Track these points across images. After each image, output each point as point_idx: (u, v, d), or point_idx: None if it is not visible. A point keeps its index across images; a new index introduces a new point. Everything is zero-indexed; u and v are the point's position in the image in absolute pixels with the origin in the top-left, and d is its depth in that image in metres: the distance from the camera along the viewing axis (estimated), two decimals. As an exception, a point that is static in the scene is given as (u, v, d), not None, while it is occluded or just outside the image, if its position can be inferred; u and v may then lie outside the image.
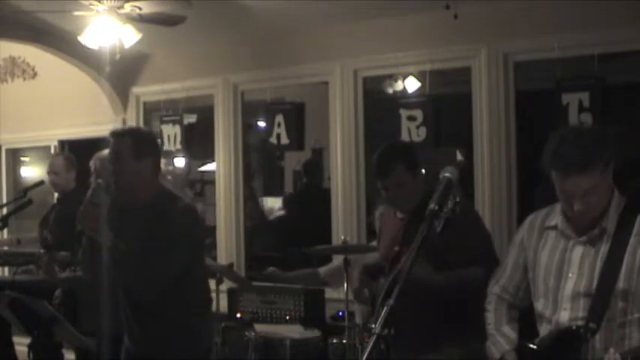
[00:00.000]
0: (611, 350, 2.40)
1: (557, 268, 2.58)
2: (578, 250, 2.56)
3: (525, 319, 2.74)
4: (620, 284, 2.45)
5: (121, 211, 3.42)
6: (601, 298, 2.45)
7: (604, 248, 2.51)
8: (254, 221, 7.63)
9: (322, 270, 5.10)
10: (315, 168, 7.44)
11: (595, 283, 2.48)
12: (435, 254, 2.76)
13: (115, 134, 3.45)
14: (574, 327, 2.47)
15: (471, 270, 3.14)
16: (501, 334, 2.72)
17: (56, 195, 5.81)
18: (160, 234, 3.24)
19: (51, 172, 5.70)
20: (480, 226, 3.46)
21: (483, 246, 3.32)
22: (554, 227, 2.64)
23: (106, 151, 4.39)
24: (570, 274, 2.54)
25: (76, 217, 4.21)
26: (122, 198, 3.44)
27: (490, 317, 2.79)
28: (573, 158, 2.43)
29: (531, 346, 2.57)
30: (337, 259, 5.12)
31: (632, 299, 2.46)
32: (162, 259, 3.24)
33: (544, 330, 2.61)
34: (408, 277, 2.19)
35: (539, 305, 2.64)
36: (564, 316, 2.52)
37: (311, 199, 7.22)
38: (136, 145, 3.37)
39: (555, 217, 2.65)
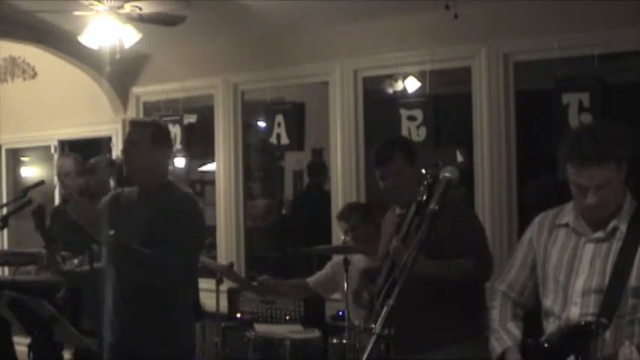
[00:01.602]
0: (627, 343, 2.42)
1: (568, 265, 2.60)
2: (589, 248, 2.58)
3: (530, 318, 2.75)
4: (632, 282, 2.48)
5: (125, 201, 3.52)
6: (612, 294, 2.47)
7: (616, 246, 2.54)
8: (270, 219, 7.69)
9: (310, 280, 5.11)
10: (319, 169, 7.43)
11: (607, 280, 2.51)
12: (428, 245, 2.78)
13: (135, 123, 3.61)
14: (583, 322, 2.49)
15: (461, 261, 3.15)
16: (505, 331, 2.73)
17: (62, 196, 5.74)
18: (161, 224, 3.31)
19: (62, 173, 5.67)
20: (474, 221, 3.47)
21: (476, 240, 3.33)
22: (565, 225, 2.67)
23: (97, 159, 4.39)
24: (581, 271, 2.57)
25: None
26: (137, 183, 3.54)
27: (495, 314, 2.81)
28: (588, 152, 2.47)
29: (539, 342, 2.58)
30: (325, 268, 5.13)
31: None
32: (164, 248, 3.28)
33: (551, 326, 2.62)
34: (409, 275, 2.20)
35: (548, 301, 2.66)
36: (575, 312, 2.54)
37: (314, 200, 7.23)
38: (155, 135, 3.48)
39: (566, 215, 2.69)
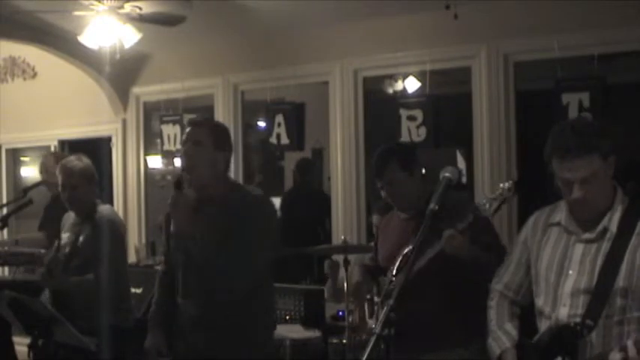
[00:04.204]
0: (630, 342, 2.38)
1: (559, 265, 2.59)
2: (579, 248, 2.56)
3: (526, 316, 2.74)
4: (620, 282, 2.45)
5: (195, 207, 3.27)
6: (599, 295, 2.46)
7: (605, 246, 2.51)
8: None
9: (326, 288, 5.17)
10: (308, 167, 7.39)
11: (595, 280, 2.48)
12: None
13: (195, 123, 3.43)
14: (571, 324, 2.48)
15: (489, 253, 3.15)
16: (503, 331, 2.73)
17: (50, 195, 5.72)
18: (237, 230, 3.14)
19: (43, 171, 5.68)
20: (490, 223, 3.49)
21: (499, 243, 3.37)
22: (558, 224, 2.65)
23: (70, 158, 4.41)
24: (571, 271, 2.55)
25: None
26: (197, 191, 3.31)
27: (492, 314, 2.81)
28: (571, 144, 2.46)
29: (531, 342, 2.58)
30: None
31: (631, 297, 2.46)
32: (240, 255, 3.13)
33: (543, 326, 2.61)
34: (411, 274, 2.20)
35: (540, 301, 2.65)
36: (563, 313, 2.52)
37: (303, 199, 7.20)
38: (215, 136, 3.30)
39: (559, 214, 2.66)
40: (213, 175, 3.27)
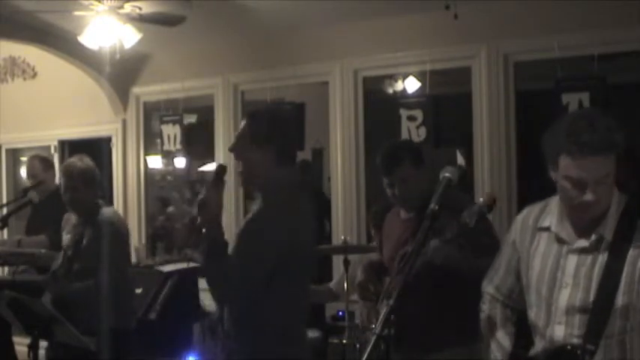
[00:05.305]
0: None
1: (551, 276, 2.37)
2: (573, 259, 2.34)
3: (523, 320, 2.56)
4: (619, 300, 2.25)
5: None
6: (599, 316, 2.26)
7: (601, 258, 2.29)
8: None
9: (332, 284, 5.16)
10: (306, 168, 7.40)
11: (592, 296, 2.28)
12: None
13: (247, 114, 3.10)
14: (569, 347, 2.30)
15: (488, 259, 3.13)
16: (495, 341, 2.57)
17: (38, 197, 5.69)
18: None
19: (30, 176, 5.68)
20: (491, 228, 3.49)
21: (495, 243, 3.35)
22: (547, 229, 2.42)
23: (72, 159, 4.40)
24: (564, 284, 2.33)
25: (62, 216, 4.28)
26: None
27: (484, 320, 2.64)
28: (589, 140, 2.19)
29: (526, 358, 2.44)
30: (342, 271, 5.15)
31: (632, 314, 2.27)
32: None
33: (538, 343, 2.43)
34: (411, 274, 2.20)
35: (532, 314, 2.44)
36: (559, 332, 2.33)
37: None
38: (261, 130, 3.09)
39: (549, 216, 2.43)
40: (261, 174, 3.11)
